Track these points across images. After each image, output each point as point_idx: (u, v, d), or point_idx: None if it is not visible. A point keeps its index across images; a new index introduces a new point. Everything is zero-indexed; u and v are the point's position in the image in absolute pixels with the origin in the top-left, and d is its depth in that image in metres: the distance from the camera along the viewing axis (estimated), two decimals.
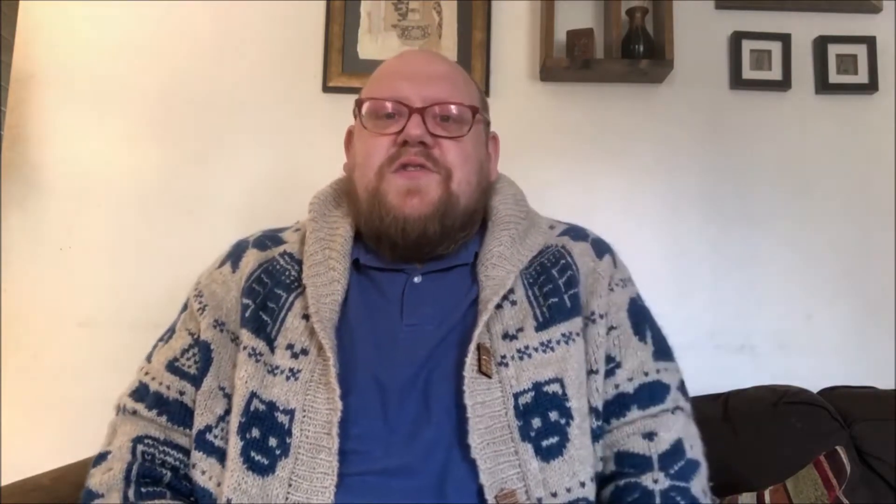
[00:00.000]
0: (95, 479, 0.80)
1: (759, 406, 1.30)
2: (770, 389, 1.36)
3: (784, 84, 1.58)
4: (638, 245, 1.53)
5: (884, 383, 1.43)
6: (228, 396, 0.83)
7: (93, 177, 1.53)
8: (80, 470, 0.87)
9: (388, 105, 0.87)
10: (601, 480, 0.82)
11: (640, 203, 1.57)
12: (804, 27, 1.60)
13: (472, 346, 0.77)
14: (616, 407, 0.83)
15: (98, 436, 0.92)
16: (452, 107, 0.87)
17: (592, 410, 0.81)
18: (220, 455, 0.80)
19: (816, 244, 1.57)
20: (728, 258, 1.56)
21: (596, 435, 0.81)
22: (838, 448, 1.03)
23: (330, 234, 0.90)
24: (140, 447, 0.82)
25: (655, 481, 0.78)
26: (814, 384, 1.39)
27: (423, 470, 0.74)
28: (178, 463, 0.83)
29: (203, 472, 0.80)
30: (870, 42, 1.59)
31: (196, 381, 0.85)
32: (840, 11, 1.61)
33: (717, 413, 1.28)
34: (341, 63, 1.56)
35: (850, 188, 1.58)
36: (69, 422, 1.41)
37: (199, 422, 0.82)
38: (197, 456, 0.81)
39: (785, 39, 1.59)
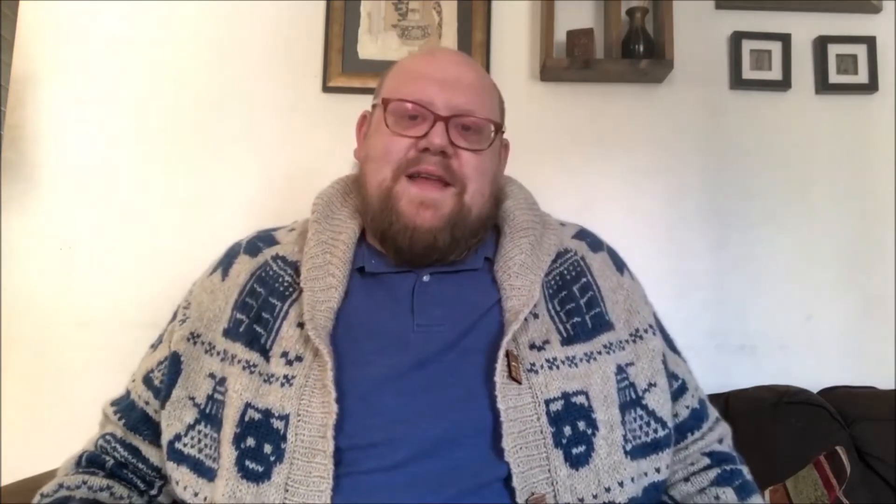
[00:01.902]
0: (60, 467, 0.88)
1: (759, 406, 1.31)
2: (770, 389, 1.36)
3: (784, 84, 1.58)
4: (638, 245, 1.53)
5: (884, 383, 1.44)
6: (198, 406, 0.83)
7: (93, 177, 1.53)
8: None
9: (414, 108, 0.86)
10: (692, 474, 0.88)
11: (640, 203, 1.57)
12: (804, 27, 1.61)
13: (502, 353, 0.77)
14: (695, 421, 0.90)
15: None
16: (476, 120, 0.87)
17: (659, 420, 0.84)
18: (192, 464, 0.80)
19: (816, 244, 1.57)
20: (728, 258, 1.56)
21: (663, 444, 0.83)
22: (838, 448, 1.03)
23: (333, 238, 0.89)
24: (100, 441, 0.89)
25: (748, 473, 0.88)
26: (814, 384, 1.40)
27: (433, 463, 0.74)
28: (122, 459, 0.88)
29: (177, 483, 0.81)
30: (870, 42, 1.59)
31: (158, 393, 0.87)
32: (840, 11, 1.61)
33: (718, 413, 1.28)
34: (341, 63, 1.56)
35: (850, 188, 1.58)
36: (69, 422, 1.40)
37: (169, 432, 0.83)
38: (170, 467, 0.82)
39: (785, 39, 1.59)
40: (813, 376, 1.44)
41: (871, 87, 1.58)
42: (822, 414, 1.28)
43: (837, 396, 1.35)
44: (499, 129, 0.90)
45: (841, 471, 1.00)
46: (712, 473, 0.86)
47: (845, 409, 1.30)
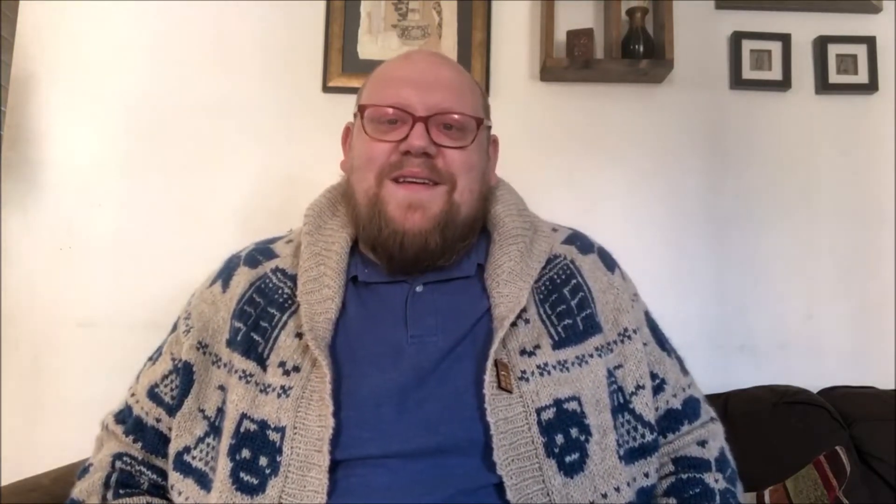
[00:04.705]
0: (77, 489, 0.84)
1: (759, 406, 1.31)
2: (770, 389, 1.36)
3: (784, 84, 1.58)
4: (638, 245, 1.54)
5: (884, 383, 1.44)
6: (208, 419, 0.82)
7: (93, 176, 1.53)
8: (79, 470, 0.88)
9: (391, 112, 0.85)
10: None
11: (640, 203, 1.57)
12: (804, 27, 1.60)
13: (490, 362, 0.76)
14: (670, 422, 0.87)
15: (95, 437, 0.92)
16: (456, 116, 0.86)
17: (646, 425, 0.83)
18: (198, 476, 0.80)
19: (817, 244, 1.57)
20: (728, 258, 1.56)
21: (651, 448, 0.82)
22: (838, 448, 1.03)
23: (325, 249, 0.88)
24: (119, 463, 0.85)
25: (716, 481, 0.84)
26: (814, 384, 1.40)
27: (427, 472, 0.73)
28: (153, 481, 0.86)
29: (180, 493, 0.80)
30: (870, 42, 1.59)
31: (171, 410, 0.85)
32: (840, 11, 1.61)
33: (717, 413, 1.27)
34: (341, 63, 1.56)
35: (850, 188, 1.58)
36: (69, 422, 1.41)
37: (178, 443, 0.82)
38: (174, 477, 0.81)
39: (785, 39, 1.59)
40: (813, 376, 1.43)
41: (871, 87, 1.58)
42: (822, 414, 1.28)
43: (837, 396, 1.35)
44: (481, 123, 0.89)
45: (841, 471, 1.00)
46: (666, 483, 0.84)
47: (845, 409, 1.30)
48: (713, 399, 1.31)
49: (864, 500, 1.18)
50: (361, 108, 0.88)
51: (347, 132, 0.97)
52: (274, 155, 1.55)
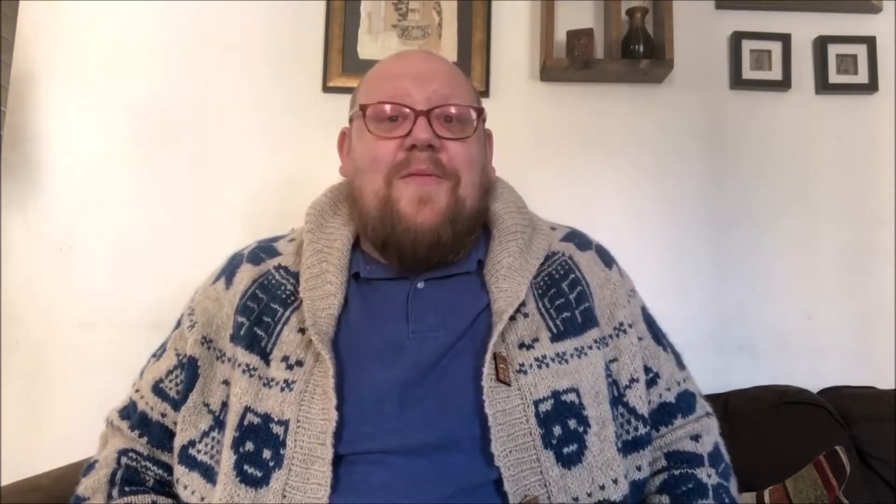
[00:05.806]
0: (82, 486, 0.84)
1: (759, 406, 1.31)
2: (770, 389, 1.36)
3: (784, 84, 1.58)
4: (638, 245, 1.54)
5: (884, 383, 1.44)
6: (213, 413, 0.83)
7: (93, 177, 1.53)
8: (79, 470, 0.88)
9: (392, 108, 0.85)
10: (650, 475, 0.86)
11: (640, 203, 1.57)
12: (804, 27, 1.61)
13: (489, 355, 0.77)
14: (662, 416, 0.88)
15: (98, 436, 0.92)
16: (454, 110, 0.87)
17: (640, 418, 0.83)
18: (203, 470, 0.80)
19: (816, 244, 1.57)
20: (728, 258, 1.56)
21: (644, 441, 0.83)
22: (838, 448, 1.03)
23: (327, 246, 0.88)
24: (124, 459, 0.86)
25: (709, 476, 0.84)
26: (814, 384, 1.40)
27: (428, 469, 0.74)
28: (159, 476, 0.86)
29: (185, 487, 0.81)
30: (870, 42, 1.59)
31: (176, 405, 0.86)
32: (840, 11, 1.61)
33: (717, 413, 1.27)
34: (341, 63, 1.56)
35: (851, 188, 1.58)
36: (69, 422, 1.41)
37: (183, 437, 0.82)
38: (180, 471, 0.82)
39: (785, 39, 1.59)
40: (813, 376, 1.44)
41: (871, 87, 1.58)
42: (822, 414, 1.28)
43: (837, 396, 1.35)
44: (480, 113, 0.90)
45: (841, 470, 1.00)
46: (659, 479, 0.85)
47: (845, 409, 1.30)
48: (713, 399, 1.31)
49: (864, 500, 1.18)
50: (363, 108, 0.88)
51: (343, 137, 0.97)
52: (274, 155, 1.56)
